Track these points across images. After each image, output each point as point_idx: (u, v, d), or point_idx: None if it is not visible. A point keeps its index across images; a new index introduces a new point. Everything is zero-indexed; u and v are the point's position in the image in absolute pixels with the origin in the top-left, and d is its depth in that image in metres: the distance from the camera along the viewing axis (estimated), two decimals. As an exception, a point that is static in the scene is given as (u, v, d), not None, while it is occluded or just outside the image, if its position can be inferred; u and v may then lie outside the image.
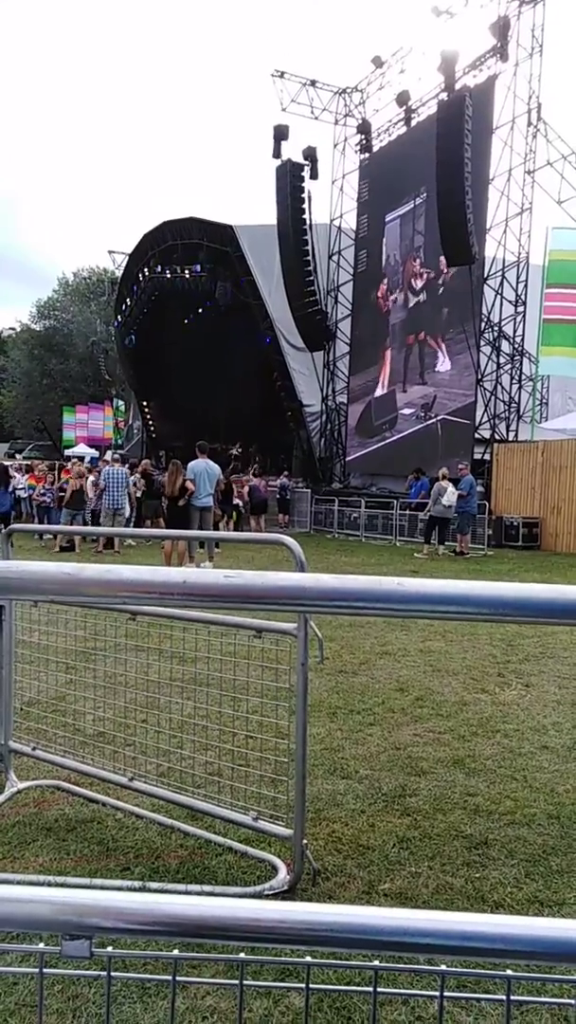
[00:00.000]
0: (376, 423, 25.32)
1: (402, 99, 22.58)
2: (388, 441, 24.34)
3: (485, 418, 19.14)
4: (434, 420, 21.55)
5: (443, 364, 22.02)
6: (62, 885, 2.84)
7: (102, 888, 2.83)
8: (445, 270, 20.38)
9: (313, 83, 24.54)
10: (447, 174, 17.42)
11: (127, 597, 0.87)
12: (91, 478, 16.79)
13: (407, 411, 23.77)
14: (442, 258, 19.25)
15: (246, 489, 20.54)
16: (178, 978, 0.86)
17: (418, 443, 22.06)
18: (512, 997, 0.81)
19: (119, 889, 2.83)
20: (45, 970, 0.88)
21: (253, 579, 0.87)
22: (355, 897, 2.81)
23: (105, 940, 0.85)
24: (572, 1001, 0.81)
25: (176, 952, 0.86)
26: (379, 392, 25.77)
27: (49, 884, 2.84)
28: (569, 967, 0.81)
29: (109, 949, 0.86)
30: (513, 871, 3.00)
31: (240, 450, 30.95)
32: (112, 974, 0.86)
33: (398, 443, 23.94)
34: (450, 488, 15.17)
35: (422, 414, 22.80)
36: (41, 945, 0.86)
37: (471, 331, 19.31)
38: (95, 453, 35.12)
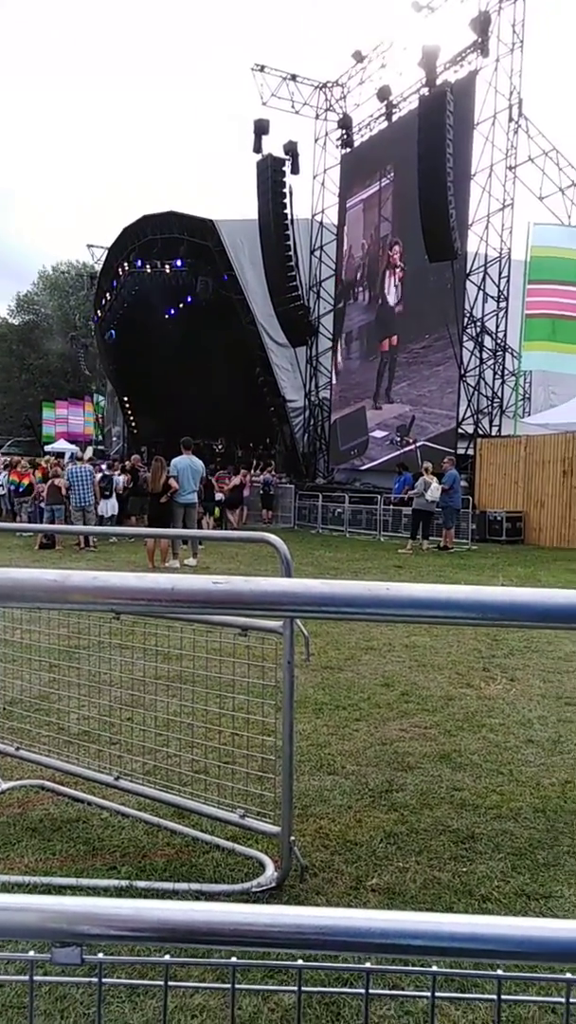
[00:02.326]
0: (343, 447, 23.26)
1: (383, 94, 22.57)
2: (361, 469, 22.40)
3: (468, 413, 19.22)
4: (412, 447, 19.92)
5: (421, 378, 20.06)
6: (48, 886, 2.83)
7: (89, 888, 2.83)
8: (416, 265, 19.54)
9: (294, 77, 24.47)
10: (429, 169, 17.44)
11: (114, 604, 0.87)
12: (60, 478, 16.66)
13: (379, 434, 21.62)
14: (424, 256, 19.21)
15: (233, 484, 20.52)
16: (170, 983, 0.85)
17: (393, 474, 19.46)
18: (503, 997, 0.82)
19: (106, 889, 2.82)
20: (35, 977, 0.87)
21: (242, 585, 0.86)
22: (343, 893, 2.83)
23: (95, 946, 0.85)
24: (561, 999, 0.82)
25: (167, 957, 0.86)
26: (344, 410, 23.19)
27: (35, 886, 2.83)
28: (558, 965, 0.81)
29: (100, 955, 0.86)
30: (500, 865, 3.03)
31: (223, 446, 30.86)
32: (103, 980, 0.86)
33: (371, 472, 21.60)
34: (434, 483, 15.23)
35: (398, 438, 20.87)
36: (31, 952, 0.86)
37: (454, 333, 18.91)
38: (75, 449, 34.91)
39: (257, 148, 23.34)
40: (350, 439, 23.32)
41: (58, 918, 0.83)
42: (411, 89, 21.28)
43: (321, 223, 25.58)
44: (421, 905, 2.74)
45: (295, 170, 23.82)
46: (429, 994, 0.84)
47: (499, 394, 19.47)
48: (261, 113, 23.73)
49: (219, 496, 19.16)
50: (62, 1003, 2.23)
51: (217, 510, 19.07)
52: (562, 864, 3.06)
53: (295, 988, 0.85)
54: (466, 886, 2.88)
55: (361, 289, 23.76)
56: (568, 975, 0.85)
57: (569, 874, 2.98)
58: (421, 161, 17.63)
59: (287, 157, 23.53)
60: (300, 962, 0.85)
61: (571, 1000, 0.83)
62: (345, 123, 24.52)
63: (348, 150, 24.64)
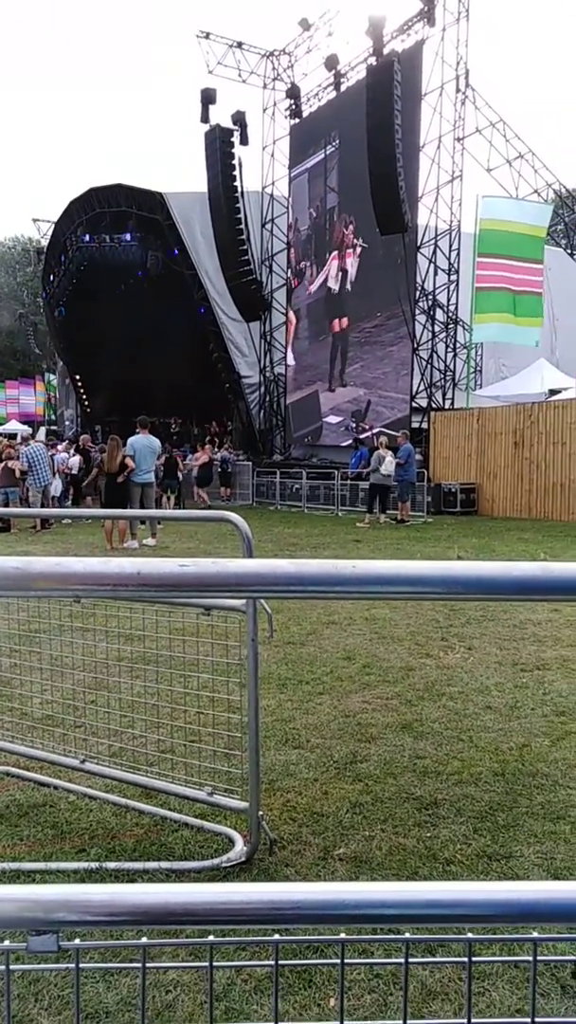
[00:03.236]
0: (297, 434, 22.74)
1: (331, 63, 22.29)
2: (318, 444, 21.75)
3: (422, 387, 19.35)
4: (368, 434, 19.62)
5: (375, 359, 19.52)
6: (16, 871, 2.82)
7: (58, 872, 2.83)
8: (364, 241, 19.13)
9: (240, 45, 24.01)
10: (378, 141, 17.35)
11: (79, 590, 0.85)
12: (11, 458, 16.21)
13: (333, 419, 21.14)
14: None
15: (201, 460, 20.37)
16: (148, 964, 0.86)
17: (350, 450, 19.02)
18: (473, 958, 0.85)
19: (75, 872, 2.82)
20: (12, 966, 0.87)
21: (208, 567, 0.86)
22: (311, 863, 2.87)
23: (72, 932, 0.84)
24: (529, 958, 0.85)
25: (144, 940, 0.86)
26: (296, 394, 22.64)
27: (3, 872, 2.82)
28: (524, 926, 0.84)
29: (76, 941, 0.86)
30: (462, 828, 3.11)
31: (179, 424, 30.55)
32: (81, 966, 0.86)
33: (328, 448, 20.89)
34: (388, 456, 15.36)
35: (353, 424, 20.47)
36: (7, 942, 0.85)
37: (407, 310, 18.75)
38: (28, 430, 34.21)
39: (204, 118, 22.91)
40: (303, 425, 22.98)
41: (33, 907, 0.82)
42: (359, 59, 21.07)
43: (272, 195, 25.29)
44: (388, 871, 2.80)
45: (244, 141, 23.47)
46: (402, 960, 0.87)
47: (451, 367, 19.64)
48: (208, 82, 23.28)
49: (179, 475, 19.05)
50: (36, 986, 2.23)
51: (177, 489, 18.95)
52: (521, 825, 3.15)
53: (271, 962, 0.86)
54: (430, 851, 2.95)
55: (308, 264, 23.41)
56: (535, 934, 0.88)
57: (528, 834, 3.08)
58: (370, 133, 17.53)
59: (236, 127, 23.15)
60: (276, 936, 0.86)
61: (538, 958, 0.86)
62: (293, 93, 24.19)
63: (297, 120, 24.33)
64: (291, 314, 23.74)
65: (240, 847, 2.96)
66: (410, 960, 0.86)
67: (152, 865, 2.85)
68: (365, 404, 20.01)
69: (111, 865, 2.86)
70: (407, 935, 0.86)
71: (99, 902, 0.83)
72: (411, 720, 4.34)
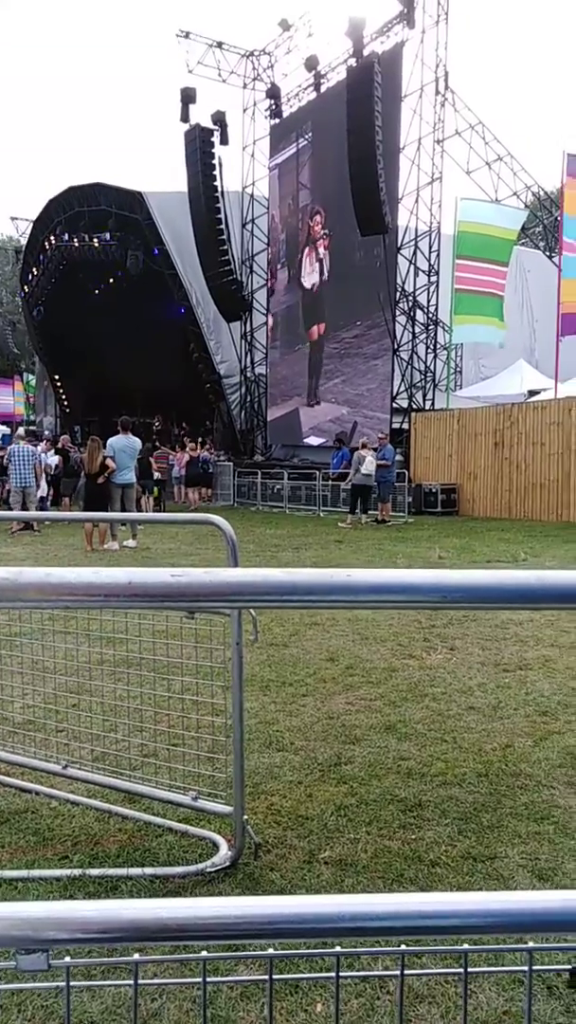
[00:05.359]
0: (275, 454, 21.80)
1: (311, 64, 22.32)
2: (299, 445, 20.62)
3: (402, 388, 19.42)
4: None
5: (357, 373, 18.76)
6: (-2, 879, 2.78)
7: (40, 879, 2.79)
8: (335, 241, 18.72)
9: (220, 45, 23.96)
10: (359, 142, 17.40)
11: (70, 601, 0.84)
12: None
13: (314, 440, 20.25)
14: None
15: (184, 460, 20.29)
16: (140, 981, 0.85)
17: (331, 450, 18.06)
18: (469, 969, 0.84)
19: (58, 879, 2.79)
20: (1, 986, 0.85)
21: (200, 576, 0.85)
22: (296, 867, 2.86)
23: (62, 949, 0.83)
24: (525, 968, 0.85)
25: (137, 956, 0.85)
26: (276, 412, 21.70)
27: (-15, 880, 2.78)
28: (520, 936, 0.84)
29: (67, 959, 0.84)
30: (447, 830, 3.12)
31: (160, 424, 30.42)
32: (71, 984, 0.85)
33: (310, 448, 19.85)
34: (369, 457, 15.40)
35: (335, 446, 19.57)
36: (-5, 962, 0.84)
37: (389, 319, 18.55)
38: (6, 430, 33.88)
39: (184, 117, 22.84)
40: (284, 443, 22.33)
41: (22, 924, 0.80)
42: (339, 60, 21.11)
43: (252, 195, 25.26)
44: (373, 874, 2.80)
45: (224, 141, 23.43)
46: (398, 972, 0.86)
47: (432, 368, 19.73)
48: (187, 81, 23.20)
49: (156, 475, 18.97)
50: (19, 996, 2.20)
51: (156, 489, 18.87)
52: (505, 826, 3.16)
53: (266, 977, 0.85)
54: (415, 852, 2.95)
55: (280, 267, 23.25)
56: (531, 943, 0.87)
57: (512, 835, 3.09)
58: (350, 134, 17.57)
59: (216, 127, 23.11)
60: (271, 951, 0.85)
61: (534, 967, 0.86)
62: (273, 93, 24.18)
63: (277, 121, 24.33)
64: (270, 318, 23.63)
65: (225, 851, 2.94)
66: (405, 972, 0.86)
67: (136, 871, 2.83)
68: (351, 425, 19.28)
69: (94, 872, 2.83)
70: (402, 947, 0.85)
71: (90, 919, 0.81)
72: (395, 721, 4.35)
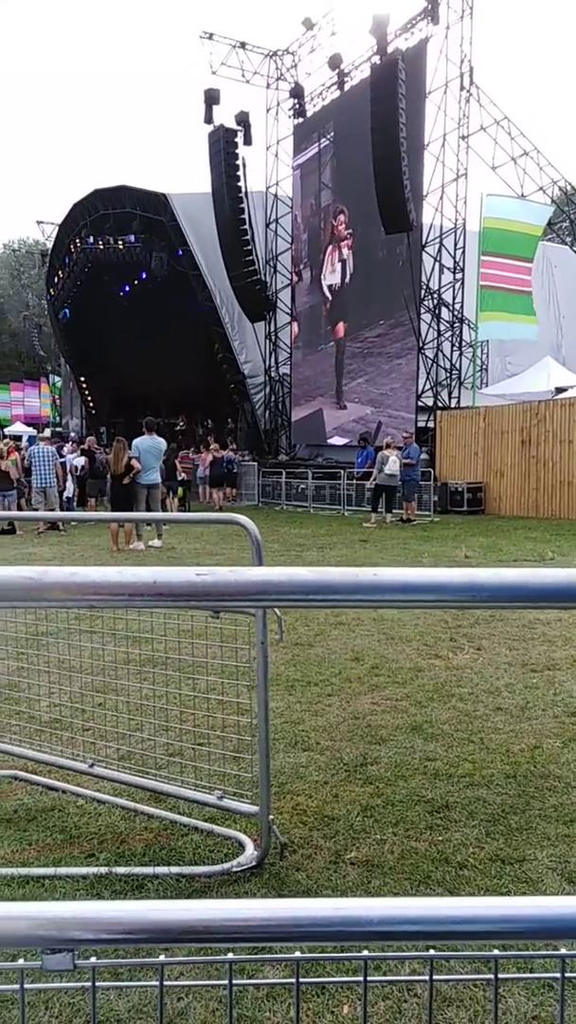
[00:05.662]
0: (299, 454, 21.64)
1: (334, 62, 22.25)
2: (323, 444, 20.44)
3: (428, 386, 19.30)
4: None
5: (380, 372, 18.61)
6: (26, 877, 2.80)
7: (67, 877, 2.81)
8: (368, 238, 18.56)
9: (243, 45, 23.98)
10: (383, 140, 17.31)
11: (95, 600, 0.83)
12: (11, 457, 16.06)
13: (338, 440, 20.05)
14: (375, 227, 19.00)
15: (209, 460, 20.39)
16: (165, 983, 0.84)
17: (356, 449, 17.77)
18: (500, 976, 0.82)
19: (84, 878, 2.81)
20: (27, 985, 0.85)
21: (226, 576, 0.84)
22: (322, 868, 2.85)
23: (88, 950, 0.82)
24: (557, 974, 0.83)
25: (163, 958, 0.84)
26: (299, 412, 21.57)
27: (12, 877, 2.80)
28: (553, 943, 0.82)
29: (92, 960, 0.84)
30: (475, 832, 3.09)
31: (184, 424, 30.56)
32: (96, 984, 0.84)
33: (334, 447, 19.62)
34: (392, 456, 15.32)
35: (360, 445, 19.20)
36: (21, 961, 0.84)
37: (413, 318, 18.37)
38: (33, 432, 34.27)
39: (208, 119, 22.89)
40: (308, 443, 22.25)
41: (48, 924, 0.80)
42: (362, 57, 21.02)
43: (276, 195, 25.25)
44: (400, 876, 2.78)
45: (248, 141, 23.45)
46: (427, 977, 0.84)
47: (457, 366, 19.58)
48: (211, 82, 23.25)
49: (181, 476, 19.05)
50: (45, 994, 2.21)
51: (181, 489, 18.93)
52: (534, 828, 3.12)
53: (292, 980, 0.84)
54: (442, 854, 2.93)
55: (303, 267, 23.16)
56: (563, 951, 0.85)
57: (541, 837, 3.05)
58: (374, 132, 17.48)
59: (239, 128, 23.13)
60: (297, 954, 0.84)
61: (567, 975, 0.84)
62: (297, 92, 24.14)
63: (300, 120, 24.30)
64: (294, 320, 23.59)
65: (251, 851, 2.94)
66: (434, 978, 0.84)
67: (162, 870, 2.83)
68: (375, 425, 19.07)
69: (120, 870, 2.84)
70: (431, 952, 0.84)
71: (116, 919, 0.80)
72: (421, 722, 4.31)
